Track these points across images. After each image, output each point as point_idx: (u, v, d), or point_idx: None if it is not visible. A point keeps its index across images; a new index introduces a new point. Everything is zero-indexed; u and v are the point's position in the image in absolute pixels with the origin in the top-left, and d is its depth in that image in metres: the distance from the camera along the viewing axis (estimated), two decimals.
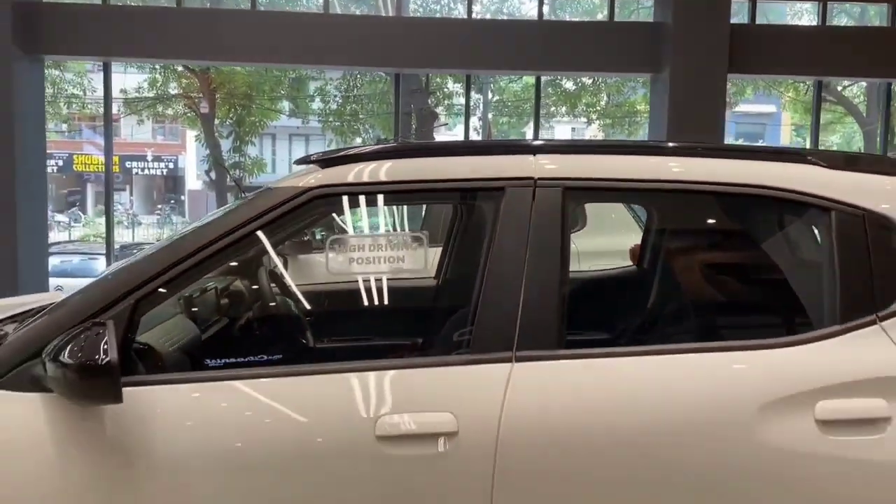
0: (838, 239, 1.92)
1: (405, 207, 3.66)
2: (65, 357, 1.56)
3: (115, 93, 17.30)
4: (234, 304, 2.65)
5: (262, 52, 8.31)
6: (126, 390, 1.60)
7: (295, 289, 2.83)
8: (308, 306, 2.75)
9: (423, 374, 1.81)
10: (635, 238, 2.76)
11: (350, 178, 1.94)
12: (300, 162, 2.09)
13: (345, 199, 1.99)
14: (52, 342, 1.64)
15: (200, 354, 2.21)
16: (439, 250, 3.04)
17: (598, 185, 1.98)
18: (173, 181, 25.17)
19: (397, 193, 2.08)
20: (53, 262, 10.24)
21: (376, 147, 2.13)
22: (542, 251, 1.87)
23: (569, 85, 15.72)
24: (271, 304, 2.61)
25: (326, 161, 2.00)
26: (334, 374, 1.81)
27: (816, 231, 2.01)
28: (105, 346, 1.56)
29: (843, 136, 17.62)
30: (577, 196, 2.01)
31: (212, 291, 2.61)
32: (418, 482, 1.73)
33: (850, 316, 1.87)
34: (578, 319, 2.01)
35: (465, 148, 2.25)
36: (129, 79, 16.25)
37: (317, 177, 1.94)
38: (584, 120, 18.20)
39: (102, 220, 20.88)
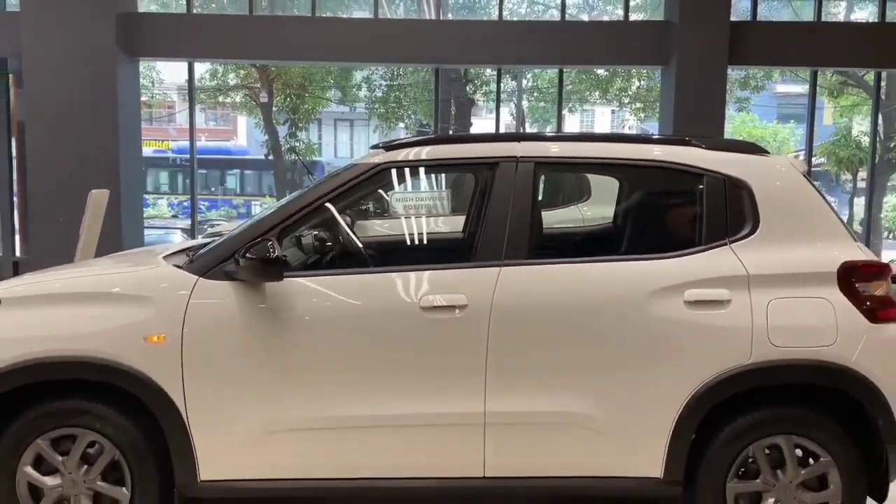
0: (707, 194, 3.09)
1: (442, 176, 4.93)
2: (251, 253, 2.84)
3: (181, 83, 18.78)
4: (322, 244, 3.90)
5: (322, 52, 9.61)
6: None
7: (363, 235, 4.12)
8: (373, 247, 4.03)
9: (449, 272, 3.04)
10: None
11: (402, 157, 3.19)
12: (373, 147, 3.34)
13: (402, 170, 3.24)
14: (239, 249, 2.92)
15: (307, 269, 3.48)
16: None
17: (557, 160, 3.20)
18: None
19: (432, 166, 3.32)
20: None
21: (420, 137, 3.37)
22: (520, 202, 3.08)
23: (600, 71, 16.64)
24: (349, 244, 3.87)
25: (388, 146, 3.24)
26: (399, 272, 3.04)
27: (693, 188, 3.16)
28: (272, 248, 2.83)
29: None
30: (543, 168, 3.21)
31: (309, 236, 3.87)
32: (444, 334, 2.95)
33: (710, 240, 3.04)
34: (544, 242, 3.23)
35: (474, 138, 3.48)
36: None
37: (382, 156, 3.19)
38: (617, 104, 19.12)
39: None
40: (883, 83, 15.45)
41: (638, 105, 18.54)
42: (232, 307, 2.94)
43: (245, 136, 26.54)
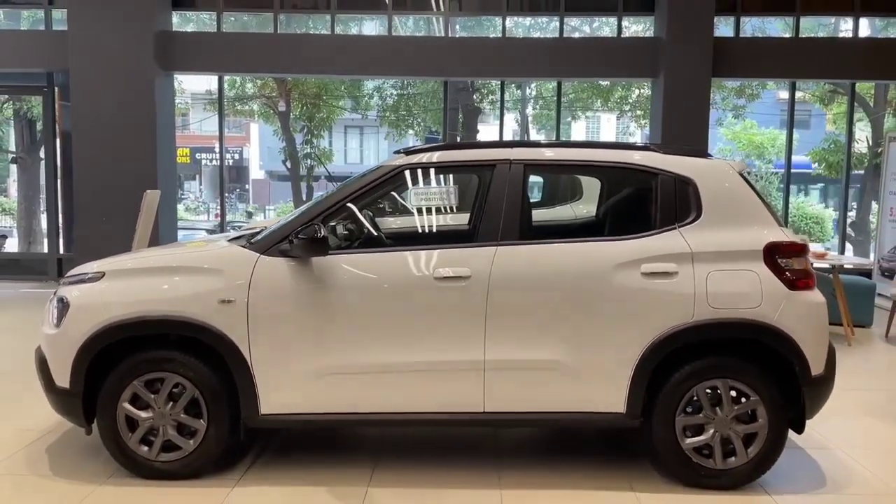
0: (661, 189, 3.87)
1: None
2: (302, 234, 3.65)
3: (202, 92, 19.61)
4: (352, 232, 4.69)
5: (340, 66, 10.43)
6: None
7: (387, 222, 4.96)
8: (395, 231, 4.83)
9: (456, 251, 3.82)
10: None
11: (418, 160, 3.99)
12: (396, 152, 4.15)
13: (418, 170, 4.05)
14: (292, 232, 3.73)
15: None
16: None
17: (541, 162, 4.01)
18: (237, 171, 27.23)
19: (443, 168, 4.13)
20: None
21: (434, 144, 4.17)
22: (512, 196, 3.88)
23: (603, 81, 17.40)
24: (375, 229, 4.67)
25: (408, 152, 4.06)
26: (417, 250, 3.83)
27: (650, 184, 3.94)
28: (318, 229, 3.64)
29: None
30: (532, 169, 4.01)
31: (341, 225, 4.68)
32: (452, 299, 3.73)
33: (663, 225, 3.82)
34: (532, 227, 4.04)
35: (476, 145, 4.29)
36: (209, 80, 18.48)
37: (403, 160, 4.00)
38: (618, 112, 19.90)
39: (178, 207, 23.25)
40: (872, 91, 16.25)
41: (638, 112, 19.29)
42: (286, 277, 3.74)
43: (257, 142, 27.50)
